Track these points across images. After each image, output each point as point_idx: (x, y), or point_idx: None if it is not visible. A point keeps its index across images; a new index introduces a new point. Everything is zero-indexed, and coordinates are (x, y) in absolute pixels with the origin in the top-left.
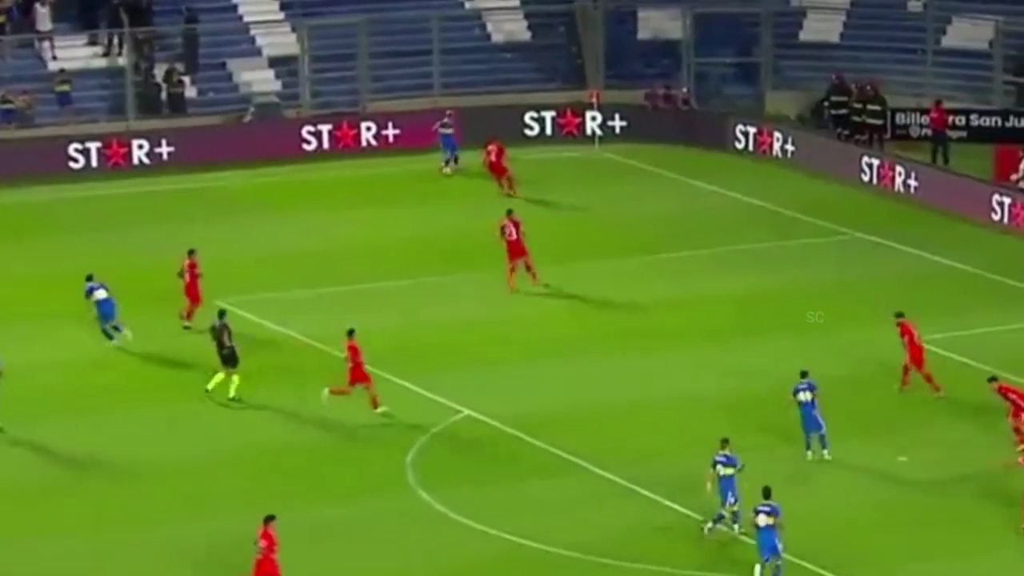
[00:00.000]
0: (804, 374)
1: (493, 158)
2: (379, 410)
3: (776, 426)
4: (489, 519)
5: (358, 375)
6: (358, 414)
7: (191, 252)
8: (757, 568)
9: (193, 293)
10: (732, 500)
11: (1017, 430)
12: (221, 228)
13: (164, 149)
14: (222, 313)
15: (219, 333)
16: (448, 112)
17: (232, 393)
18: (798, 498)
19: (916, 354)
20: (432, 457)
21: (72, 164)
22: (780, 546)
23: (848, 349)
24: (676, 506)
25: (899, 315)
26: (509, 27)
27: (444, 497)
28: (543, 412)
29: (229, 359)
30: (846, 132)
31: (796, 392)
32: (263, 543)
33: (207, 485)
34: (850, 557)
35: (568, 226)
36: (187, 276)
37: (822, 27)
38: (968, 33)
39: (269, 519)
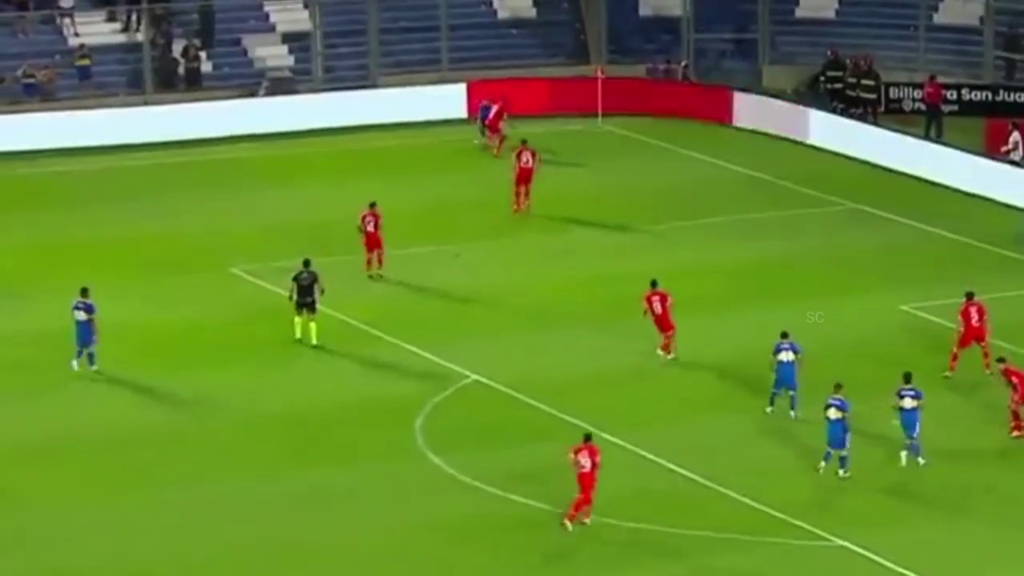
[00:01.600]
0: (785, 335)
1: (492, 115)
2: (666, 356)
3: (768, 390)
4: (498, 482)
5: (665, 324)
6: (368, 379)
7: (372, 204)
8: (903, 454)
9: (376, 241)
10: (845, 444)
11: (1015, 414)
12: (234, 199)
13: (181, 122)
14: (307, 263)
15: (306, 282)
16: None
17: (315, 340)
18: (795, 456)
19: (969, 334)
20: (441, 421)
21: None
22: (918, 427)
23: (842, 317)
24: (677, 468)
25: (969, 295)
26: (515, 4)
27: (453, 460)
28: (549, 377)
29: (312, 307)
30: (841, 106)
31: (777, 351)
32: (583, 460)
33: (220, 449)
34: (841, 516)
35: (570, 197)
36: (370, 227)
37: (818, 4)
38: (959, 10)
39: (588, 437)
